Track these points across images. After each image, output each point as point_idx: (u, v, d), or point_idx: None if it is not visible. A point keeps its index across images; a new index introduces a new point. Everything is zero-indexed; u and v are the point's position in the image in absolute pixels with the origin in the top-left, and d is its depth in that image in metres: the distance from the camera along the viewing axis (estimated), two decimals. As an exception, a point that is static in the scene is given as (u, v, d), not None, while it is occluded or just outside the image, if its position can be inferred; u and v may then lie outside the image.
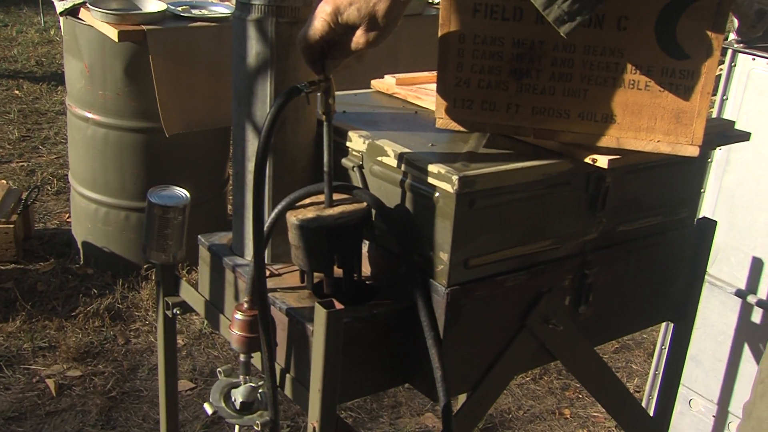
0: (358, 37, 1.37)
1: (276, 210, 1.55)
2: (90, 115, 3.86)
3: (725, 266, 2.80)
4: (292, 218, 1.50)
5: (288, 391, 1.57)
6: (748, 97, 2.65)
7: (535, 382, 3.56)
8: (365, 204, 1.52)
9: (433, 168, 1.42)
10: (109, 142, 3.88)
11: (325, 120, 1.50)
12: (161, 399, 2.00)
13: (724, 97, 2.72)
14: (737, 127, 1.85)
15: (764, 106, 2.61)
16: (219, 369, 1.70)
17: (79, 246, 4.18)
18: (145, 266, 4.04)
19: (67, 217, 4.56)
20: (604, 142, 1.51)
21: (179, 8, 3.73)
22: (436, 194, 1.43)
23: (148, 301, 3.88)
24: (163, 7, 3.67)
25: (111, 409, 3.18)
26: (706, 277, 2.81)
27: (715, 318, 2.87)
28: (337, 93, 1.92)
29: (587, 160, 1.51)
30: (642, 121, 1.48)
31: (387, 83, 1.93)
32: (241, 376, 1.66)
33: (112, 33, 3.49)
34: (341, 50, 1.41)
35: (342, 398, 1.52)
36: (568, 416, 3.37)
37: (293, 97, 1.44)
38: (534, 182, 1.51)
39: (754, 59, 2.61)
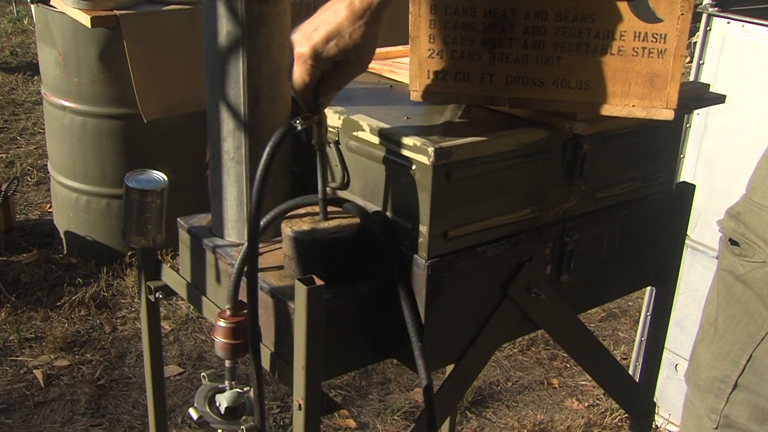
0: (347, 70, 1.37)
1: (267, 218, 1.56)
2: (66, 103, 3.83)
3: (706, 231, 2.81)
4: (287, 229, 1.51)
5: (274, 371, 1.56)
6: (724, 60, 2.66)
7: (523, 353, 3.58)
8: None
9: (408, 141, 1.42)
10: (87, 130, 3.85)
11: (318, 151, 1.51)
12: (148, 384, 2.00)
13: (701, 62, 2.72)
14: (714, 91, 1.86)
15: (740, 70, 2.62)
16: (203, 374, 1.70)
17: (62, 236, 4.16)
18: (129, 253, 4.03)
19: (49, 207, 4.54)
20: (579, 108, 1.50)
21: (152, -8, 3.70)
22: (413, 167, 1.43)
23: (134, 288, 3.87)
24: (135, -9, 3.64)
25: (100, 397, 3.18)
26: (689, 242, 2.83)
27: (698, 282, 2.89)
28: (311, 70, 1.92)
29: (562, 127, 1.51)
30: (616, 87, 1.48)
31: (361, 59, 1.92)
32: (227, 382, 1.65)
33: (85, 19, 3.45)
34: (333, 84, 1.41)
35: (327, 375, 1.52)
36: (557, 386, 3.40)
37: (288, 134, 1.45)
38: (511, 151, 1.51)
39: (728, 23, 2.61)
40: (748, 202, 1.63)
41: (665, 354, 3.04)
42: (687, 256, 2.87)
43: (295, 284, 1.35)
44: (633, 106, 1.49)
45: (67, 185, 4.01)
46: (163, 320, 3.68)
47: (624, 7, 1.43)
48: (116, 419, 3.06)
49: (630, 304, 4.00)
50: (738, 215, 1.65)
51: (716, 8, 2.62)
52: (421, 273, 1.47)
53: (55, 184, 4.13)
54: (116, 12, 3.49)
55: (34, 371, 3.30)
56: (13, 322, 3.57)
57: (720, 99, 1.79)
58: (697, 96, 1.77)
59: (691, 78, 2.75)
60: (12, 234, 4.29)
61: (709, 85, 1.81)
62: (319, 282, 1.35)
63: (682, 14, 1.42)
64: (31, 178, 5.01)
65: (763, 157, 1.68)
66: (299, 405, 1.42)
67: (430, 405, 1.49)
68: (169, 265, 1.85)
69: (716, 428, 1.60)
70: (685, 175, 2.85)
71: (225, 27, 1.55)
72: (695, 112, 2.77)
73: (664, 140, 1.81)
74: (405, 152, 1.43)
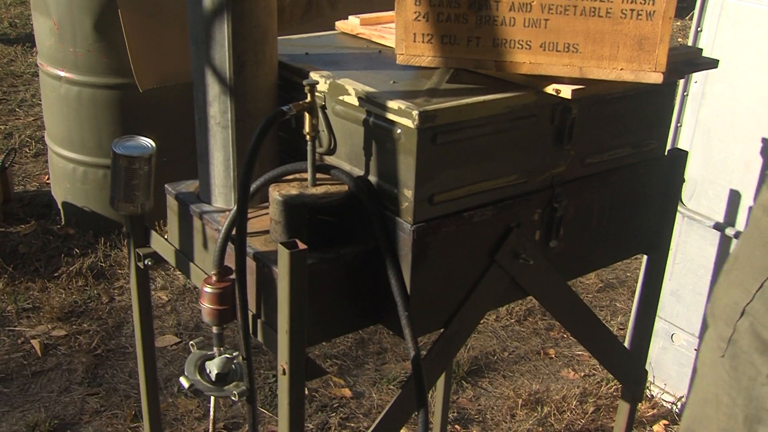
0: None
1: (256, 184, 1.56)
2: (62, 74, 3.81)
3: (703, 200, 2.80)
4: (275, 194, 1.50)
5: (260, 336, 1.56)
6: (722, 27, 2.63)
7: (520, 323, 3.58)
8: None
9: (393, 104, 1.40)
10: (83, 100, 3.83)
11: (309, 140, 1.51)
12: (138, 351, 2.00)
13: (698, 29, 2.69)
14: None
15: (738, 37, 2.59)
16: (191, 342, 1.70)
17: (60, 206, 4.15)
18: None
19: (47, 179, 4.53)
20: (567, 72, 1.49)
21: (147, -40, 3.66)
22: (398, 131, 1.42)
23: (131, 259, 3.86)
24: (130, -41, 3.60)
25: (97, 367, 3.19)
26: (685, 211, 2.81)
27: (694, 252, 2.88)
28: (301, 36, 1.91)
29: (550, 90, 1.50)
30: (604, 49, 1.46)
31: (351, 24, 1.91)
32: (215, 348, 1.65)
33: (79, -12, 3.42)
34: None
35: (313, 340, 1.52)
36: (553, 356, 3.40)
37: (277, 120, 1.46)
38: (498, 115, 1.49)
39: (727, -11, 2.58)
40: None
41: (661, 324, 3.04)
42: (683, 225, 2.86)
43: (278, 248, 1.34)
44: (621, 69, 1.47)
45: (64, 156, 4.00)
46: (160, 290, 3.68)
47: (612, -32, 1.41)
48: (112, 388, 3.07)
49: (628, 275, 4.00)
50: None
51: (714, -26, 2.59)
52: (407, 238, 1.46)
53: (52, 155, 4.12)
54: (111, -20, 3.46)
55: (31, 341, 3.31)
56: (11, 293, 3.58)
57: (713, 64, 1.77)
58: (689, 60, 1.75)
59: (689, 45, 2.72)
60: (10, 205, 4.29)
61: (701, 49, 1.79)
62: (302, 246, 1.34)
63: (671, -25, 1.40)
64: (29, 150, 5.00)
65: None
66: (283, 370, 1.42)
67: (418, 374, 1.49)
68: (166, 236, 1.83)
69: (723, 356, 1.59)
70: (682, 143, 2.83)
71: (209, -10, 1.53)
72: (693, 80, 2.75)
73: (655, 106, 1.79)
74: (390, 116, 1.42)
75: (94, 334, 3.37)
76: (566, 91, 1.49)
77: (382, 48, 1.78)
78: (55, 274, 3.73)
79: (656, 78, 1.47)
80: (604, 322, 3.55)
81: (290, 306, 1.36)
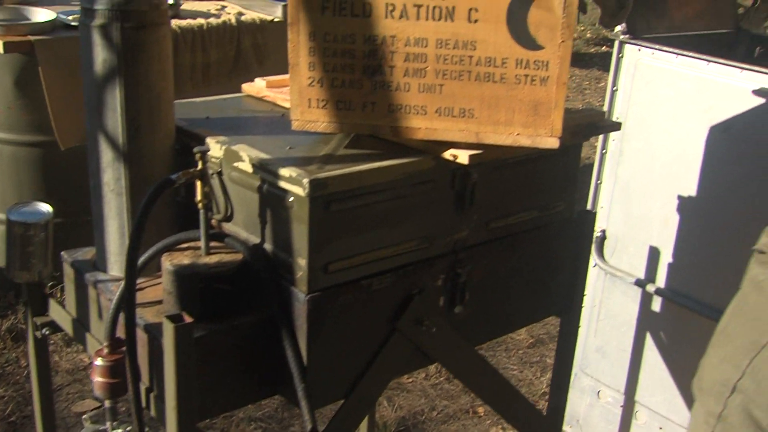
0: None
1: (148, 253, 1.51)
2: (-18, 131, 3.72)
3: (624, 256, 2.80)
4: (167, 263, 1.47)
5: (153, 410, 1.50)
6: (637, 87, 2.66)
7: (449, 381, 3.53)
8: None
9: (285, 172, 1.37)
10: (4, 158, 3.75)
11: (202, 208, 1.48)
12: (37, 420, 1.92)
13: (614, 89, 2.73)
14: (625, 118, 1.83)
15: (653, 96, 2.63)
16: (84, 416, 1.64)
17: (-20, 267, 4.03)
18: (49, 284, 3.91)
19: (-32, 238, 4.41)
20: (464, 137, 1.48)
21: (70, 17, 3.62)
22: (290, 198, 1.39)
23: (52, 320, 3.75)
24: (52, 16, 3.55)
25: (10, 435, 3.07)
26: (607, 267, 2.82)
27: (617, 309, 2.88)
28: (205, 99, 1.88)
29: (447, 156, 1.48)
30: (500, 115, 1.46)
31: (257, 86, 1.89)
32: (108, 423, 1.60)
33: (-2, 45, 3.36)
34: None
35: (207, 413, 1.47)
36: (482, 414, 3.36)
37: (165, 189, 1.44)
38: (394, 181, 1.47)
39: (639, 50, 2.62)
40: None
41: (588, 381, 3.03)
42: (605, 282, 2.86)
43: (163, 321, 1.29)
44: (518, 134, 1.47)
45: (-15, 215, 3.90)
46: (83, 353, 3.58)
47: (505, 34, 1.41)
48: (26, 458, 2.95)
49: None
50: None
51: (627, 35, 2.63)
52: (301, 308, 1.42)
53: (-27, 213, 4.01)
54: (30, 37, 3.40)
55: (-58, 409, 3.18)
56: (-76, 358, 3.45)
57: (615, 126, 1.78)
58: (591, 123, 1.75)
59: (605, 105, 2.75)
60: (-71, 265, 4.15)
61: (604, 112, 1.80)
62: (188, 319, 1.30)
63: (563, 41, 1.41)
64: (-48, 208, 4.86)
65: None
66: (172, 448, 1.36)
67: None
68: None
69: None
70: (602, 200, 2.84)
71: (100, 55, 1.50)
72: (611, 138, 2.77)
73: (560, 168, 1.78)
74: (282, 183, 1.39)
75: (10, 400, 3.25)
76: (463, 157, 1.47)
77: (285, 111, 1.76)
78: (-28, 338, 3.61)
79: (552, 143, 1.46)
80: (533, 378, 3.55)
81: (177, 381, 1.31)
